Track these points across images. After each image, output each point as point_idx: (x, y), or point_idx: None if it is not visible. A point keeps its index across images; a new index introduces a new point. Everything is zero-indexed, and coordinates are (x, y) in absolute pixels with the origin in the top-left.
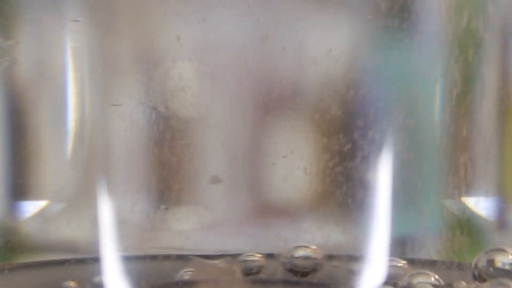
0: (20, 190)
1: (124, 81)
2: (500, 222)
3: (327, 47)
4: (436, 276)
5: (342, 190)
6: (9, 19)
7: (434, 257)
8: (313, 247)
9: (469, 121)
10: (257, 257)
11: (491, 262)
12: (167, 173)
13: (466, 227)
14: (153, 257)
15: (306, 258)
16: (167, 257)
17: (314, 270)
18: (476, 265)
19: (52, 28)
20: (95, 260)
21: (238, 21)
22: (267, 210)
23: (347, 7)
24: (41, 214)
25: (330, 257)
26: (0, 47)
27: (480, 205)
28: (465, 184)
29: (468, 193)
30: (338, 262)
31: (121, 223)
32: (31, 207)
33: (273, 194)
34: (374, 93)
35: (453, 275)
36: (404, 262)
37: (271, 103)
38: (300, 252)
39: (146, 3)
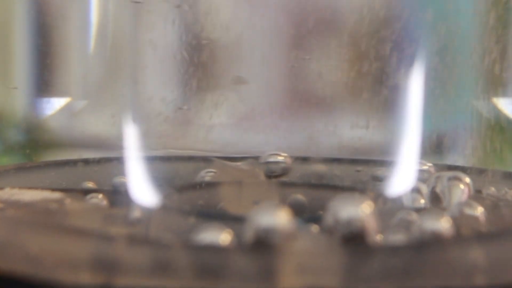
0: (44, 87)
1: None
2: None
3: None
4: (467, 179)
5: (371, 90)
6: None
7: (465, 161)
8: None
9: (503, 23)
10: (281, 158)
11: None
12: (190, 72)
13: (498, 129)
14: (175, 158)
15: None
16: (188, 158)
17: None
18: None
19: None
20: (116, 160)
21: None
22: (293, 110)
23: None
24: (65, 111)
25: (354, 161)
26: None
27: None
28: (497, 85)
29: (499, 94)
30: (363, 166)
31: (143, 123)
32: (54, 104)
33: (301, 93)
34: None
35: (483, 181)
36: (431, 165)
37: (304, 16)
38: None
39: None
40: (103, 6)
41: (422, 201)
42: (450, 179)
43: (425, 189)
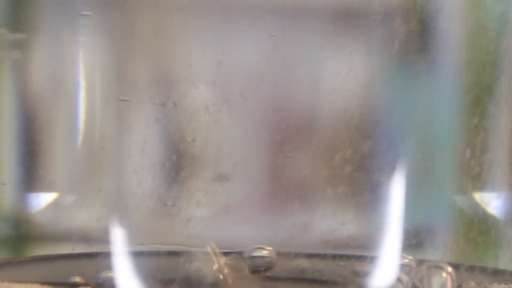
0: (32, 182)
1: (133, 78)
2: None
3: (344, 78)
4: (449, 268)
5: (352, 186)
6: (21, 13)
7: (445, 254)
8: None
9: (483, 121)
10: (265, 252)
11: None
12: (174, 169)
13: (478, 224)
14: (160, 253)
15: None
16: (174, 253)
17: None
18: None
19: (64, 24)
20: (103, 254)
21: (255, 46)
22: (272, 209)
23: (365, 41)
24: (53, 206)
25: (337, 256)
26: (10, 39)
27: (493, 202)
28: (477, 181)
29: (480, 190)
30: (345, 261)
31: (129, 218)
32: (42, 199)
33: (279, 193)
34: (388, 101)
35: (462, 276)
36: (411, 258)
37: (285, 118)
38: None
39: (162, 22)
40: (90, 103)
41: None
42: (430, 267)
43: (405, 281)
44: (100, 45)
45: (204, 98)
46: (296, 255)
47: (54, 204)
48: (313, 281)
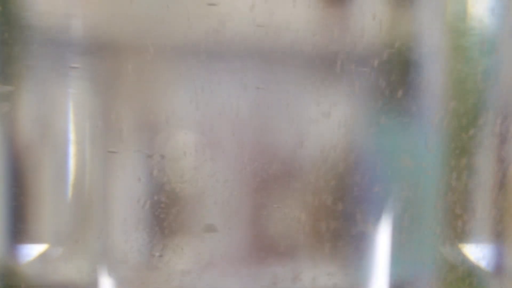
0: (20, 234)
1: (122, 130)
2: (498, 270)
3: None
4: None
5: (337, 238)
6: (9, 65)
7: None
8: None
9: (469, 171)
10: None
11: None
12: (162, 220)
13: (464, 275)
14: None
15: None
16: None
17: None
18: None
19: (53, 77)
20: None
21: (242, 97)
22: (259, 260)
23: (346, 89)
24: (41, 258)
25: None
26: None
27: (478, 253)
28: (463, 232)
29: (466, 241)
30: None
31: (116, 270)
32: (30, 251)
33: (266, 244)
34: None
35: None
36: None
37: (272, 169)
38: None
39: (152, 75)
40: (79, 154)
41: None
42: None
43: None
44: (89, 97)
45: (192, 150)
46: None
47: (43, 256)
48: None
